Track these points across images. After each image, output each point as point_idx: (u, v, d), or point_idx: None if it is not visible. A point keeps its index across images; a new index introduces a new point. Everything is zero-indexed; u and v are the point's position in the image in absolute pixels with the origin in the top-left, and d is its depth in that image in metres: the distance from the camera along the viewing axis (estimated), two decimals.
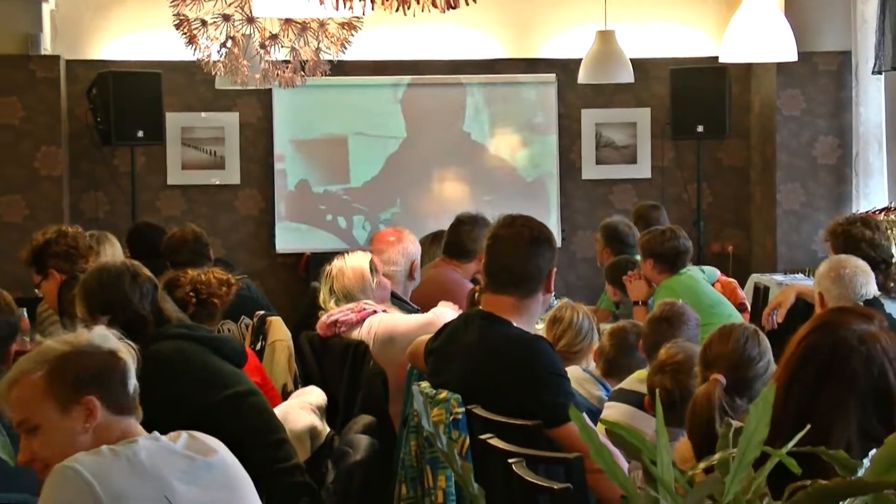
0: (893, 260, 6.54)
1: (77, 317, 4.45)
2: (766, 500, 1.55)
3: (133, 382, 3.11)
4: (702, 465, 1.73)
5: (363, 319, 6.04)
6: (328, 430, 4.82)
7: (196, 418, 3.30)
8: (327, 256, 10.56)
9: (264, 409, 4.38)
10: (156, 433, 3.11)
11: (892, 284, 6.23)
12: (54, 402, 3.06)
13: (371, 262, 6.36)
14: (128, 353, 3.17)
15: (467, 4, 3.38)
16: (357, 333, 5.99)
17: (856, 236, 6.25)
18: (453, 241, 7.39)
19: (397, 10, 3.36)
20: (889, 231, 9.27)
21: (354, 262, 6.36)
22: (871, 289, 5.66)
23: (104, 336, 3.19)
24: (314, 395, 5.20)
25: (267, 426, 4.33)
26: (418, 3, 3.31)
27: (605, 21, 10.02)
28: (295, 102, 11.02)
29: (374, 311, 6.11)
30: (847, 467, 1.56)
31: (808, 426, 2.95)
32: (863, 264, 5.76)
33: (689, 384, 4.47)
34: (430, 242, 8.15)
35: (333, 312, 6.20)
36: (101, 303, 4.39)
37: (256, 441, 4.12)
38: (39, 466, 3.05)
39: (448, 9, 3.37)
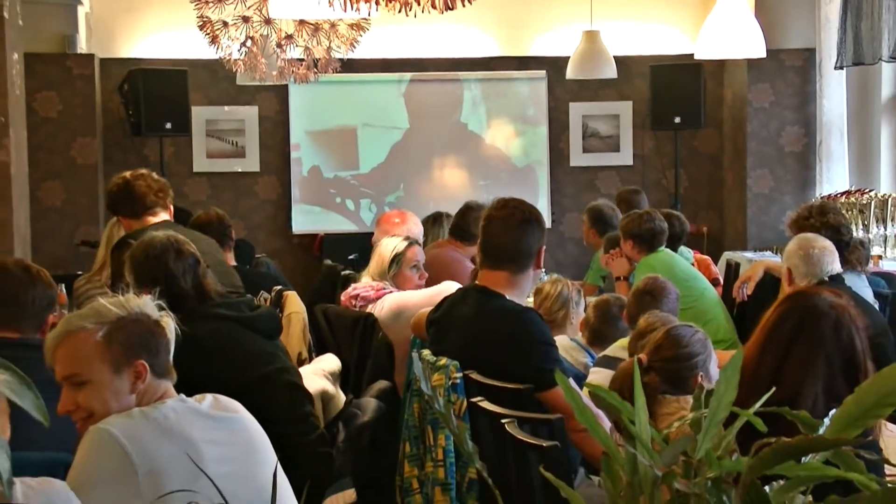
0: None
1: (128, 284, 4.44)
2: (734, 455, 1.54)
3: (172, 348, 3.12)
4: (676, 423, 1.72)
5: (379, 298, 6.04)
6: (342, 394, 4.81)
7: (230, 396, 3.28)
8: (339, 237, 10.71)
9: (294, 385, 4.35)
10: (182, 395, 3.11)
11: (853, 259, 6.26)
12: (109, 363, 3.04)
13: (402, 252, 6.28)
14: (168, 321, 3.18)
15: (463, 6, 3.37)
16: (371, 308, 6.00)
17: (834, 225, 6.24)
18: (461, 225, 7.38)
19: (400, 11, 3.35)
20: (850, 213, 9.30)
21: (383, 248, 6.34)
22: (835, 266, 5.67)
23: (150, 304, 3.18)
24: (328, 363, 5.20)
25: (295, 402, 4.31)
26: (419, 4, 3.30)
27: (591, 20, 10.03)
28: (309, 97, 11.04)
29: (391, 291, 6.11)
30: (809, 425, 1.56)
31: (777, 387, 2.99)
32: (829, 244, 5.76)
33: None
34: (431, 223, 8.16)
35: (358, 286, 6.22)
36: (147, 276, 4.35)
37: (285, 416, 4.11)
38: (81, 416, 3.04)
39: (446, 10, 3.37)
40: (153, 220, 5.75)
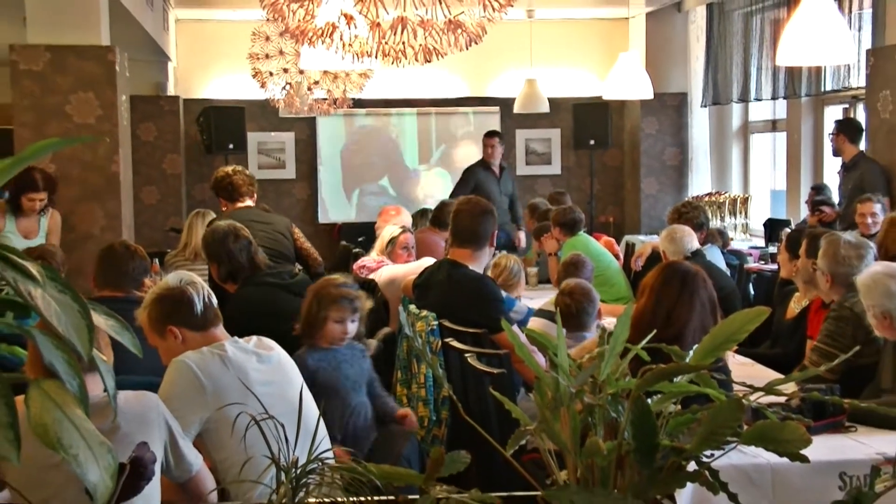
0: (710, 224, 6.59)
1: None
2: (626, 377, 1.52)
3: (199, 306, 3.05)
4: (586, 356, 1.71)
5: (379, 268, 6.05)
6: None
7: (275, 341, 3.26)
8: (352, 225, 10.69)
9: None
10: (235, 338, 3.09)
11: (711, 240, 6.31)
12: (156, 333, 3.08)
13: (396, 237, 6.27)
14: (198, 283, 3.12)
15: (438, 59, 3.36)
16: (373, 276, 5.99)
17: (686, 214, 6.29)
18: (438, 217, 7.35)
19: (392, 63, 3.34)
20: (711, 208, 9.35)
21: (384, 233, 6.34)
22: (693, 244, 5.68)
23: (179, 276, 3.15)
24: None
25: None
26: (406, 57, 3.29)
27: (532, 66, 10.07)
28: (330, 125, 11.00)
29: (387, 264, 6.11)
30: (679, 356, 1.54)
31: (671, 325, 3.08)
32: (688, 229, 5.77)
33: (583, 301, 4.49)
34: (419, 216, 8.13)
35: (365, 260, 6.24)
36: (213, 254, 4.34)
37: None
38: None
39: (426, 62, 3.36)
40: (241, 205, 5.82)
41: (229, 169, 6.00)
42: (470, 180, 9.34)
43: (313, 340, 3.70)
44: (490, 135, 9.49)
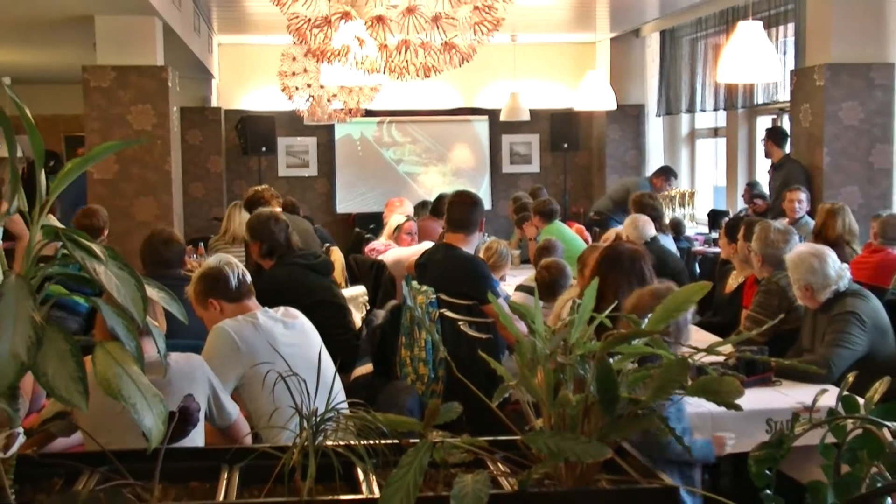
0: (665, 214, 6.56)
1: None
2: (592, 341, 1.52)
3: (234, 281, 3.06)
4: (560, 323, 1.70)
5: (386, 251, 6.04)
6: (361, 311, 4.78)
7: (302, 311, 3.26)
8: (364, 215, 10.67)
9: (338, 305, 4.34)
10: (266, 308, 3.09)
11: (664, 229, 6.29)
12: (201, 305, 3.09)
13: (401, 224, 6.30)
14: (234, 263, 3.12)
15: (437, 74, 3.36)
16: (381, 257, 5.99)
17: (648, 205, 6.27)
18: (437, 207, 7.34)
19: (397, 78, 3.34)
20: (665, 200, 9.33)
21: (391, 221, 6.34)
22: (651, 231, 5.67)
23: (218, 257, 3.16)
24: (353, 290, 5.17)
25: (339, 315, 4.30)
26: (409, 73, 3.28)
27: (515, 79, 10.03)
28: (345, 132, 10.94)
29: (393, 247, 6.11)
30: (636, 323, 1.54)
31: (604, 301, 3.00)
32: (647, 218, 5.77)
33: (557, 276, 4.49)
34: (420, 207, 8.12)
35: (375, 243, 6.24)
36: (256, 235, 4.35)
37: (331, 323, 4.09)
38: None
39: (426, 77, 3.36)
40: None
41: (257, 188, 6.28)
42: None
43: None
44: None
